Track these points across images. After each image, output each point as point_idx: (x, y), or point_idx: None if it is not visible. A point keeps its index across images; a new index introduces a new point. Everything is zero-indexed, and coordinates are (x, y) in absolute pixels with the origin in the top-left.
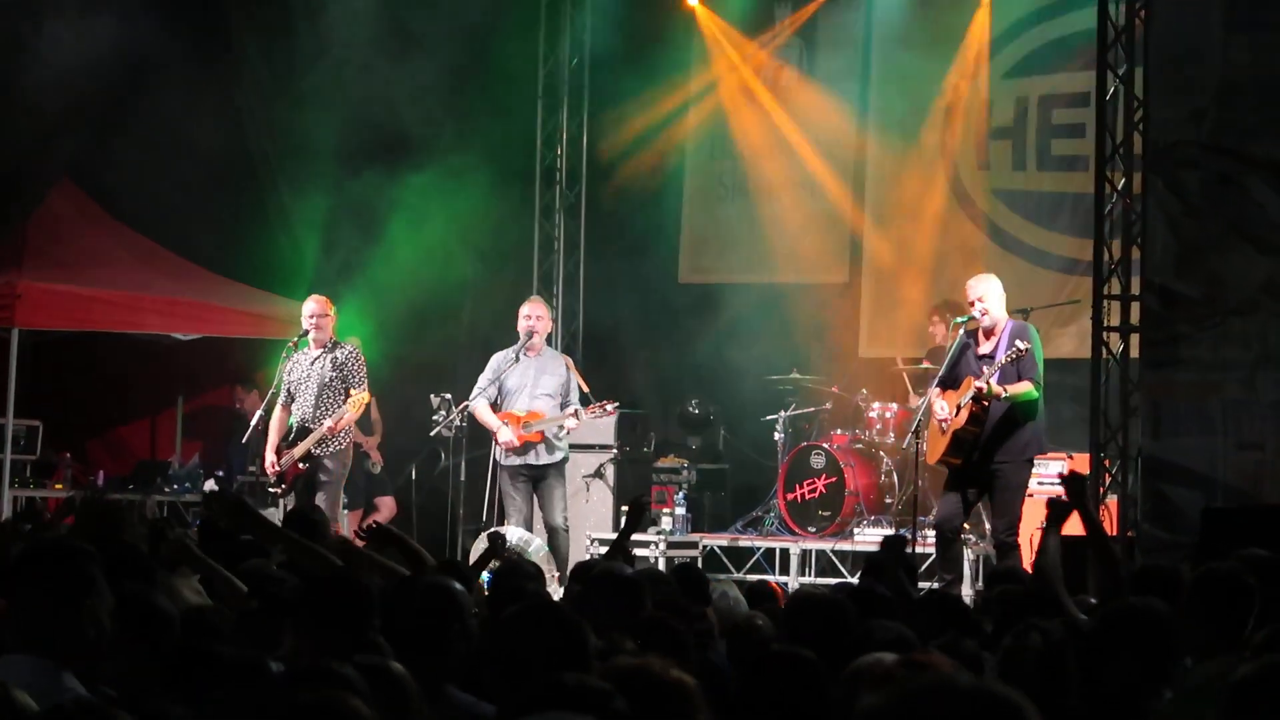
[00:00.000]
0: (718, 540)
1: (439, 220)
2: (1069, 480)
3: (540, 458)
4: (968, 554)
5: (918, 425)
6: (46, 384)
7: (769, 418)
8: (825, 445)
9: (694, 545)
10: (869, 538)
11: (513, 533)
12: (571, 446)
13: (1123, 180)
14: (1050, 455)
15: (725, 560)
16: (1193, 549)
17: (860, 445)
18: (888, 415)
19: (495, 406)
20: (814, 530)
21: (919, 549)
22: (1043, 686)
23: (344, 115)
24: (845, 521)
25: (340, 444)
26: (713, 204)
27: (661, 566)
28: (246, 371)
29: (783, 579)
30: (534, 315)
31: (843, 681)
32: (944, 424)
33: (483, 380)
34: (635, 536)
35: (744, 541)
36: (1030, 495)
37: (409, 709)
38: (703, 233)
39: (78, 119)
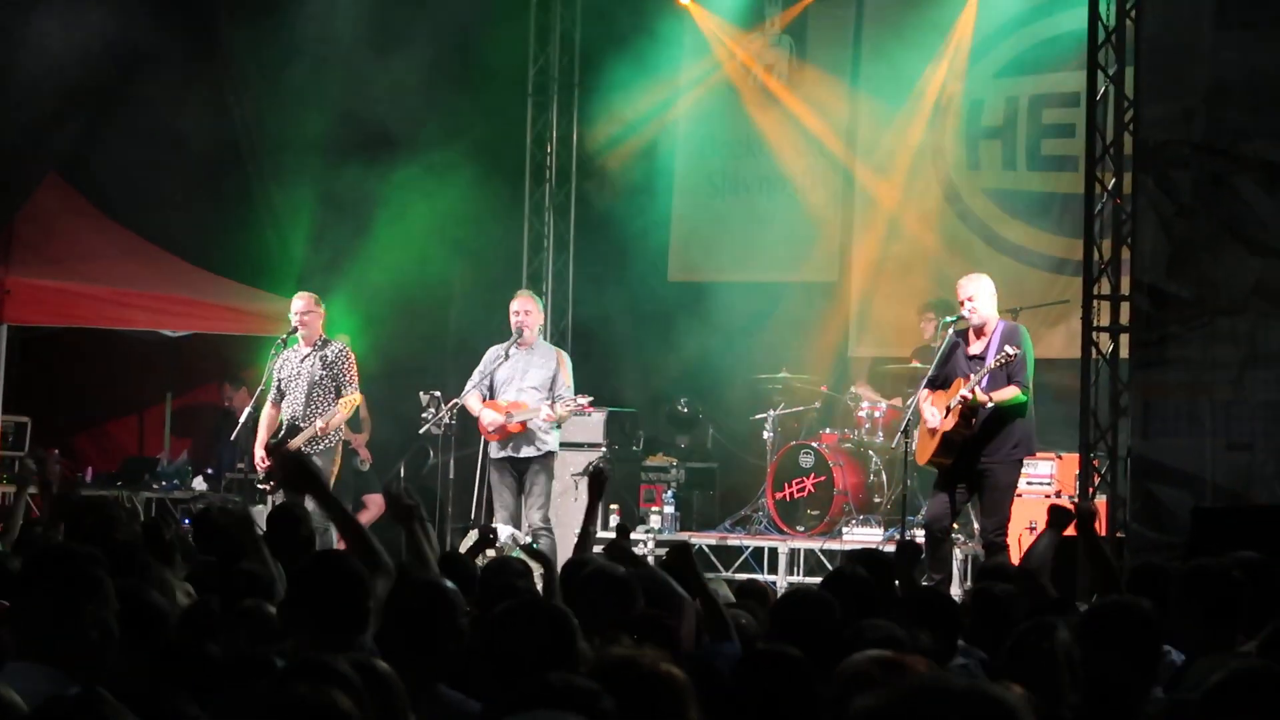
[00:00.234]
0: (706, 539)
1: (428, 217)
2: (1070, 514)
3: (523, 451)
4: (957, 553)
5: (907, 424)
6: (34, 380)
7: (758, 416)
8: (814, 444)
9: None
10: (858, 537)
11: (502, 530)
12: (561, 445)
13: (1113, 180)
14: (1039, 455)
15: (714, 559)
16: (1182, 549)
17: (849, 444)
18: (877, 414)
19: (488, 401)
20: (803, 529)
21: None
22: (1056, 684)
23: (333, 111)
24: (834, 521)
25: (330, 442)
26: (702, 202)
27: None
28: (235, 368)
29: (771, 578)
30: (522, 310)
31: (830, 681)
32: (934, 430)
33: (475, 375)
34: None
35: (732, 540)
36: (1019, 495)
37: (394, 707)
38: (692, 231)
39: (65, 114)
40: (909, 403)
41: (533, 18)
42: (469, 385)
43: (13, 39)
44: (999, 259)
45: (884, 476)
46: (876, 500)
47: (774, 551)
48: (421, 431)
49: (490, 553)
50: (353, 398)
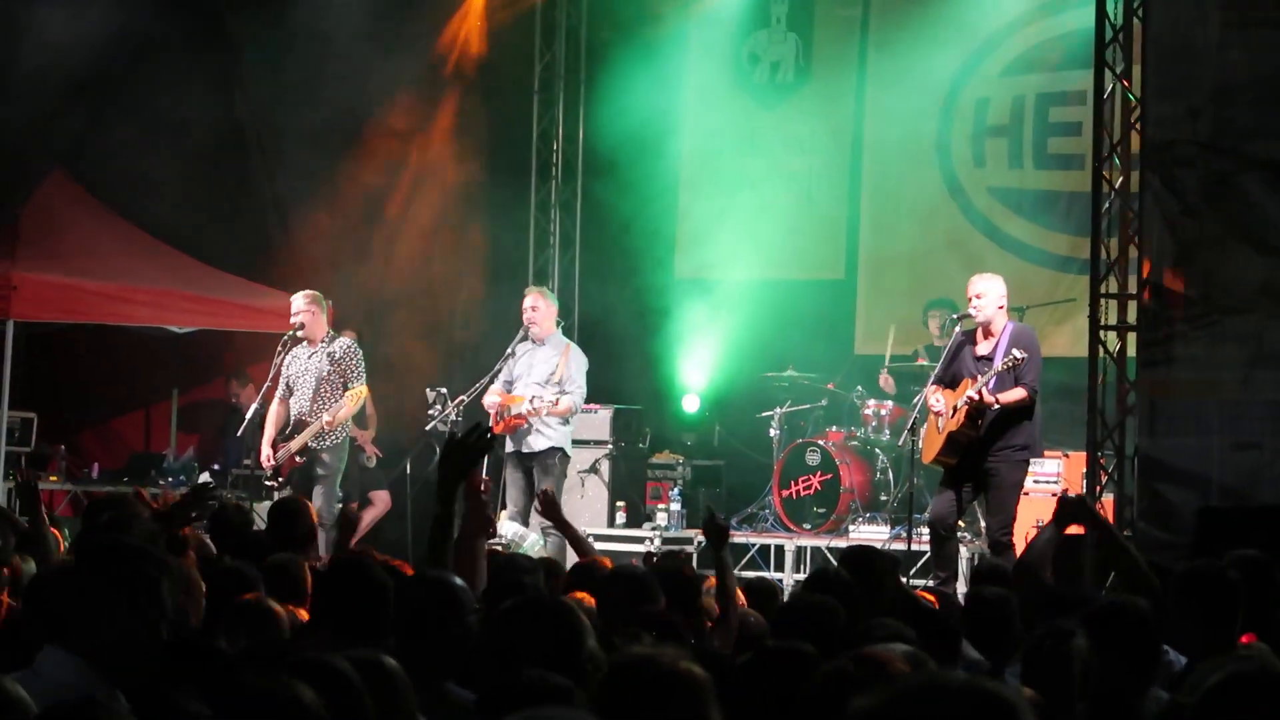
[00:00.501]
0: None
1: (434, 213)
2: (1072, 505)
3: (527, 445)
4: (963, 552)
5: (913, 422)
6: (41, 376)
7: (764, 414)
8: (821, 442)
9: (688, 541)
10: (864, 535)
11: (507, 526)
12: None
13: (1120, 179)
14: (1046, 453)
15: None
16: (1188, 548)
17: (856, 442)
18: (883, 412)
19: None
20: (809, 527)
21: (914, 547)
22: (1071, 690)
23: (339, 107)
24: (840, 518)
25: (337, 438)
26: (709, 199)
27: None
28: (241, 364)
29: (777, 575)
30: (529, 306)
31: (816, 681)
32: (940, 419)
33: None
34: (631, 531)
35: (739, 538)
36: (1026, 494)
37: (402, 704)
38: (699, 228)
39: (70, 108)
40: (915, 401)
41: (539, 15)
42: (494, 380)
43: (17, 31)
44: (1005, 257)
45: (890, 474)
46: (883, 498)
47: (780, 549)
48: (428, 428)
49: (496, 544)
50: (359, 390)
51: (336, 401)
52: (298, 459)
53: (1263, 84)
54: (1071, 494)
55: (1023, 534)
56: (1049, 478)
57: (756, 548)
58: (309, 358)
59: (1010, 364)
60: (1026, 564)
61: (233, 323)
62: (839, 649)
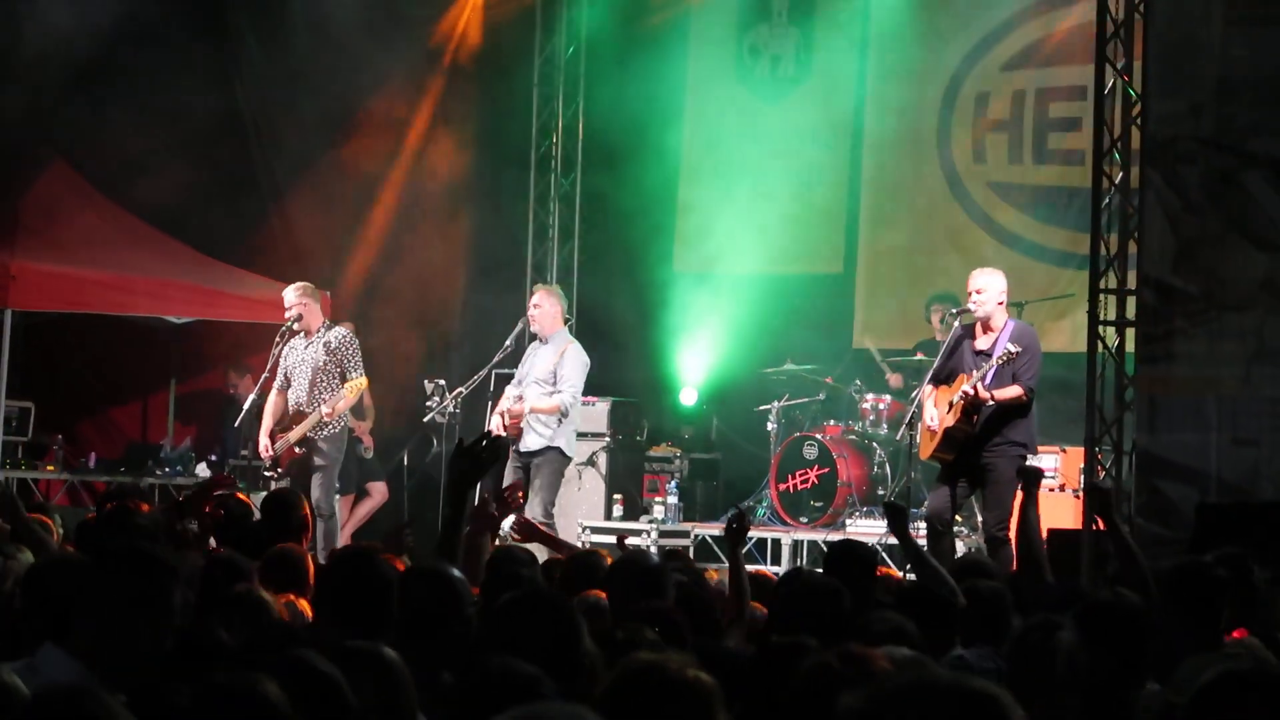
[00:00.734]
0: (710, 529)
1: (433, 206)
2: (1092, 494)
3: (524, 444)
4: (960, 546)
5: (911, 417)
6: (39, 366)
7: (762, 408)
8: (818, 436)
9: (685, 534)
10: (861, 529)
11: (506, 522)
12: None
13: (1120, 174)
14: (1042, 449)
15: (717, 550)
16: (1187, 544)
17: (853, 436)
18: (881, 407)
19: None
20: (806, 521)
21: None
22: (1058, 684)
23: (338, 99)
24: (837, 513)
25: (335, 428)
26: (708, 193)
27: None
28: (239, 354)
29: (775, 569)
30: (532, 304)
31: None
32: (932, 424)
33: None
34: (628, 525)
35: None
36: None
37: (400, 694)
38: (698, 222)
39: (70, 98)
40: (913, 395)
41: (539, 8)
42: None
43: (16, 20)
44: (1004, 252)
45: (888, 469)
46: (880, 492)
47: (777, 543)
48: (425, 420)
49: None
50: (358, 382)
51: (333, 392)
52: (296, 450)
53: (1265, 81)
54: (1068, 490)
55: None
56: (1047, 473)
57: (753, 541)
58: (306, 348)
59: (1006, 357)
60: (1032, 559)
61: (231, 313)
62: (841, 634)
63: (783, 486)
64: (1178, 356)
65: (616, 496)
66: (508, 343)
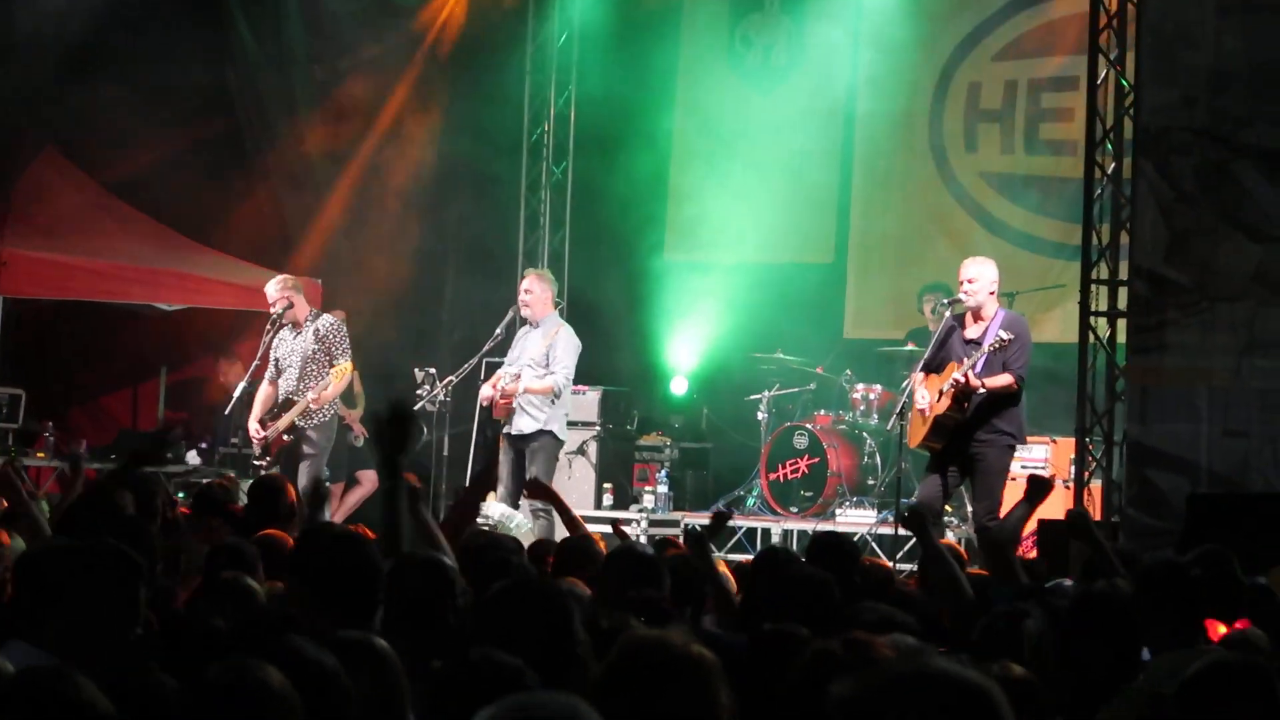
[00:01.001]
0: (699, 519)
1: (425, 192)
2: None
3: (516, 428)
4: (950, 536)
5: (902, 407)
6: (29, 352)
7: (753, 397)
8: (809, 426)
9: (675, 524)
10: (851, 519)
11: (494, 508)
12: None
13: (1113, 165)
14: (1034, 439)
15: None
16: (1178, 535)
17: (844, 426)
18: (871, 397)
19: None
20: (796, 510)
21: (901, 532)
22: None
23: (329, 85)
24: (827, 502)
25: (325, 415)
26: (699, 181)
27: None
28: (229, 343)
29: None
30: (524, 289)
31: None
32: (924, 413)
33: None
34: (618, 514)
35: None
36: (1012, 479)
37: (391, 685)
38: (689, 210)
39: (63, 86)
40: (903, 385)
41: None
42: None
43: (9, 6)
44: (996, 242)
45: (878, 459)
46: (870, 482)
47: (767, 532)
48: (415, 408)
49: (484, 524)
50: (344, 366)
51: (323, 378)
52: (285, 438)
53: (1258, 71)
54: (1059, 481)
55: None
56: (1036, 463)
57: (743, 530)
58: (295, 338)
59: (998, 345)
60: (995, 544)
61: (221, 301)
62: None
63: (773, 476)
64: (1169, 347)
65: (606, 485)
66: (498, 330)
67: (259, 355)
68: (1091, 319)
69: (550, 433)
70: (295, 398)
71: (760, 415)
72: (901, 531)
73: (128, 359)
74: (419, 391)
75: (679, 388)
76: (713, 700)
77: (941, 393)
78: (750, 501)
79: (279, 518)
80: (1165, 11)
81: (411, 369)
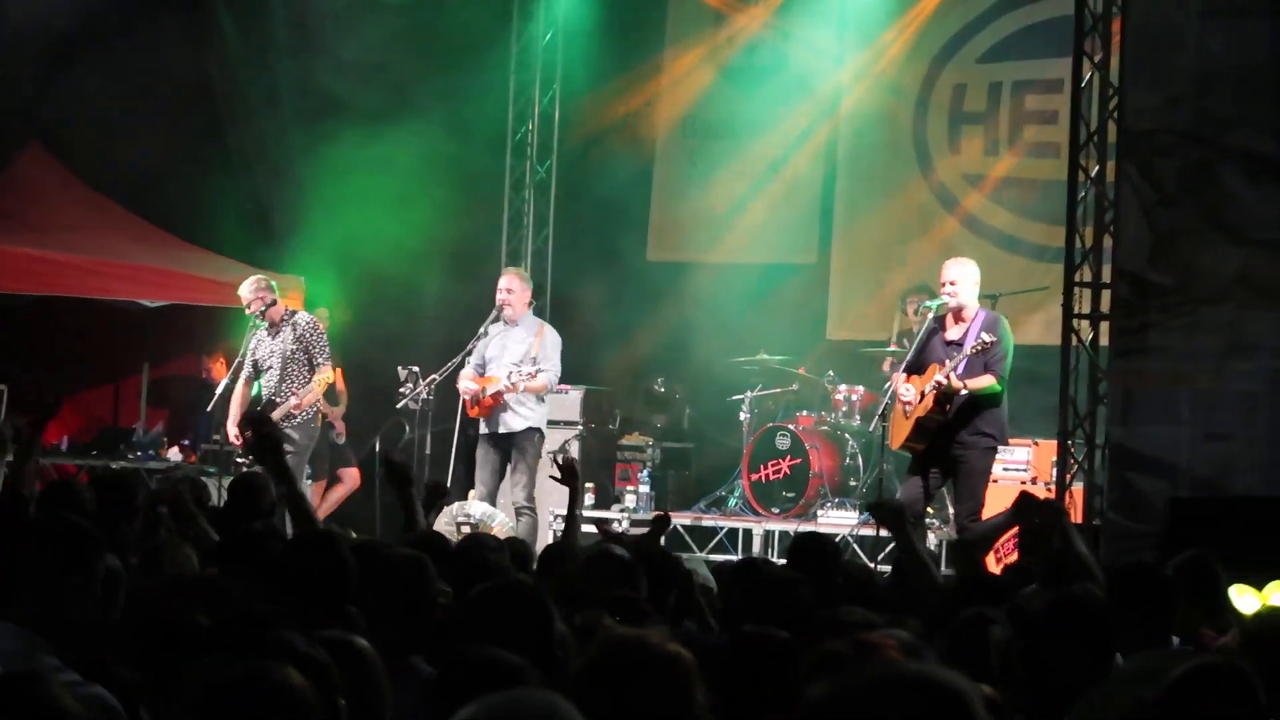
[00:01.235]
0: (681, 519)
1: (408, 192)
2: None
3: (504, 426)
4: (931, 538)
5: (884, 409)
6: (11, 348)
7: (735, 398)
8: (791, 426)
9: None
10: (833, 520)
11: (475, 507)
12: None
13: (1096, 167)
14: (1016, 441)
15: (688, 539)
16: (1159, 539)
17: (826, 427)
18: (854, 398)
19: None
20: (778, 511)
21: (882, 533)
22: (991, 678)
23: (314, 83)
24: (809, 503)
25: (307, 414)
26: (683, 182)
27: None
28: (212, 340)
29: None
30: (504, 288)
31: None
32: (907, 408)
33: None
34: (600, 514)
35: (707, 521)
36: (995, 481)
37: (372, 684)
38: (672, 211)
39: (47, 82)
40: (886, 387)
41: None
42: (466, 364)
43: None
44: (979, 244)
45: (860, 460)
46: (852, 483)
47: (749, 533)
48: (399, 406)
49: (465, 523)
50: (325, 376)
51: (303, 378)
52: None
53: (1242, 74)
54: (1041, 495)
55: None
56: (1018, 465)
57: (725, 531)
58: (274, 339)
59: (979, 347)
60: (965, 543)
61: (205, 298)
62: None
63: (755, 476)
64: (1152, 350)
65: (588, 485)
66: (482, 329)
67: (241, 353)
68: (1074, 321)
69: (539, 430)
70: (278, 399)
71: (742, 415)
72: (883, 533)
73: (110, 355)
74: (402, 389)
75: (661, 388)
76: (688, 699)
77: (923, 394)
78: (732, 502)
79: (260, 515)
80: (1150, 14)
81: (395, 367)
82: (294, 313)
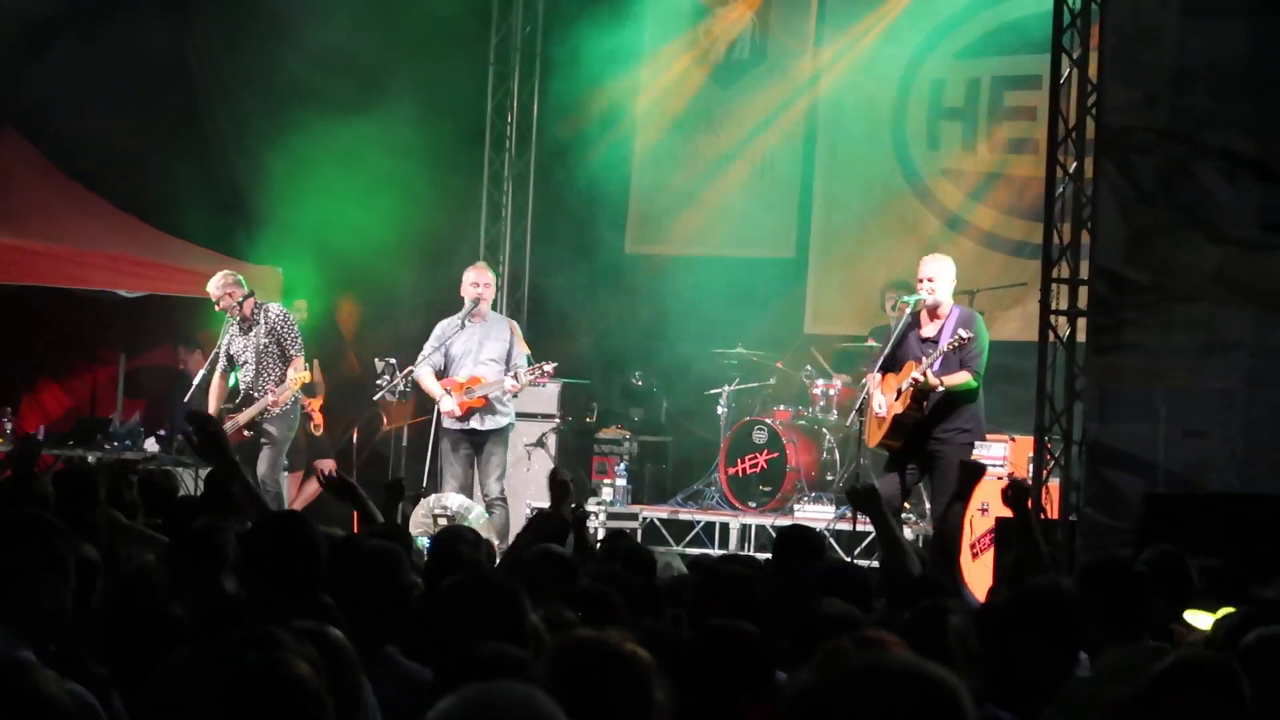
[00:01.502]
0: (657, 512)
1: (386, 183)
2: (1012, 488)
3: (483, 423)
4: (908, 533)
5: (861, 403)
6: None
7: (712, 391)
8: (768, 421)
9: (634, 517)
10: (809, 514)
11: (452, 499)
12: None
13: (1074, 164)
14: (992, 437)
15: (665, 533)
16: (1134, 534)
17: (803, 422)
18: (831, 392)
19: (441, 374)
20: (754, 505)
21: (859, 527)
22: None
23: (292, 75)
24: (786, 497)
25: (286, 405)
26: (661, 175)
27: (600, 537)
28: (190, 330)
29: (722, 553)
30: (481, 283)
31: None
32: (880, 412)
33: (427, 348)
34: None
35: (684, 514)
36: None
37: (346, 675)
38: (651, 204)
39: (23, 68)
40: (863, 382)
41: None
42: (420, 358)
43: None
44: (957, 240)
45: (837, 454)
46: (829, 478)
47: (725, 527)
48: (375, 398)
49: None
50: (301, 376)
51: (278, 371)
52: (245, 433)
53: (1221, 72)
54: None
55: (968, 517)
56: (995, 461)
57: (701, 525)
58: (248, 332)
59: (955, 344)
60: (938, 536)
61: (182, 288)
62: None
63: (732, 470)
64: (1128, 347)
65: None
66: (460, 320)
67: (216, 347)
68: (1052, 317)
69: (512, 424)
70: (255, 394)
71: (720, 409)
72: (860, 527)
73: (87, 346)
74: (379, 381)
75: (639, 381)
76: (647, 698)
77: (900, 391)
78: (709, 496)
79: (234, 507)
80: (1129, 11)
81: (372, 359)
82: (265, 306)
